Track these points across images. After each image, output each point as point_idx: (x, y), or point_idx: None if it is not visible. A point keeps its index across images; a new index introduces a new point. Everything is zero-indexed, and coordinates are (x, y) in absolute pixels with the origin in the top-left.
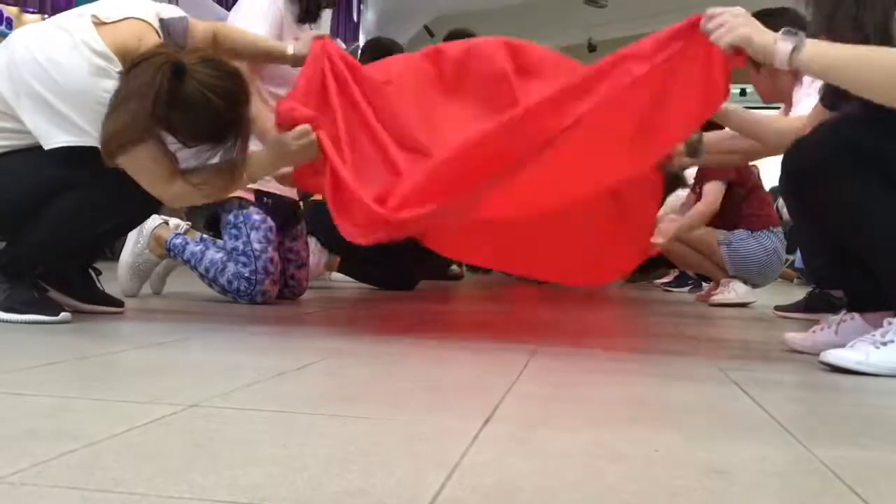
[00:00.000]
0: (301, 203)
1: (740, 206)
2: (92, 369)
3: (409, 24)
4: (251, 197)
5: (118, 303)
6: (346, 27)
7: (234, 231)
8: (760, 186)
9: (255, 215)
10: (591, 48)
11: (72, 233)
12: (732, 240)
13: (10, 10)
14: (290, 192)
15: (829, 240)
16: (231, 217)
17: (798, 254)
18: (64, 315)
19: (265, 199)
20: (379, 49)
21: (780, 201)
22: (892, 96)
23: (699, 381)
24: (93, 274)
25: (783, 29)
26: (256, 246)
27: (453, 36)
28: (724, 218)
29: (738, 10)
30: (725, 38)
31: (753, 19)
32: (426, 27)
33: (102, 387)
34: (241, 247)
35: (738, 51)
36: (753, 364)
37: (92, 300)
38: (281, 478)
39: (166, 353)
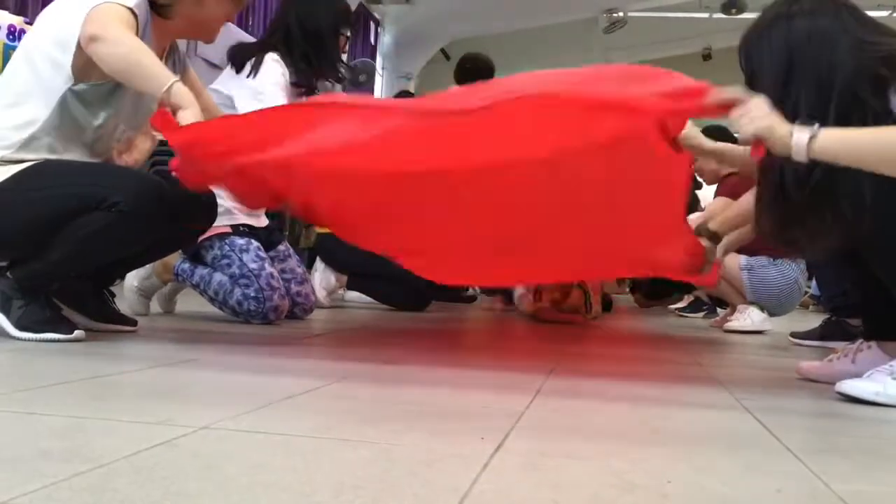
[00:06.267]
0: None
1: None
2: (104, 389)
3: (426, 48)
4: (228, 229)
5: (131, 322)
6: (363, 50)
7: (225, 261)
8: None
9: (239, 240)
10: None
11: (91, 254)
12: (754, 265)
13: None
14: (261, 222)
15: (851, 265)
16: (216, 251)
17: (815, 281)
18: (78, 333)
19: (241, 227)
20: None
21: None
22: None
23: (713, 409)
24: (107, 294)
25: (798, 120)
26: (253, 266)
27: (468, 60)
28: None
29: (761, 99)
30: (749, 128)
31: (774, 110)
32: (443, 50)
33: (114, 407)
34: (237, 272)
35: (758, 141)
36: (768, 392)
37: (105, 319)
38: (289, 502)
39: (178, 374)
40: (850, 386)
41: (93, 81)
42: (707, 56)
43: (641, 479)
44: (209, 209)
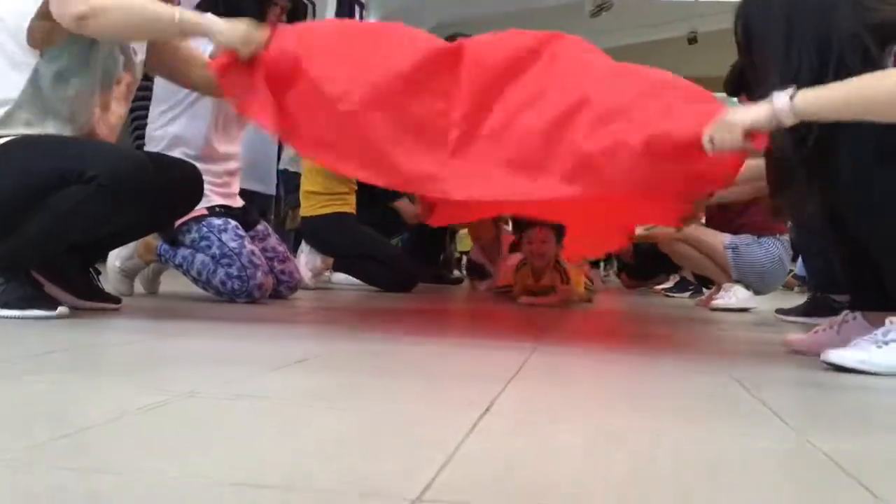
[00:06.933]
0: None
1: (747, 209)
2: (88, 359)
3: None
4: (204, 212)
5: (115, 300)
6: None
7: (204, 243)
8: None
9: (216, 220)
10: None
11: (71, 229)
12: (738, 244)
13: None
14: (236, 202)
15: (838, 238)
16: (194, 234)
17: (800, 262)
18: (61, 310)
19: (217, 209)
20: None
21: None
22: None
23: (700, 377)
24: (91, 272)
25: (770, 95)
26: (233, 245)
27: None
28: (730, 221)
29: (719, 119)
30: (727, 143)
31: (733, 108)
32: None
33: (98, 375)
34: (218, 252)
35: (751, 136)
36: (755, 363)
37: (89, 296)
38: (276, 462)
39: (164, 345)
40: (835, 355)
41: (59, 48)
42: (693, 40)
43: (631, 438)
44: (195, 185)
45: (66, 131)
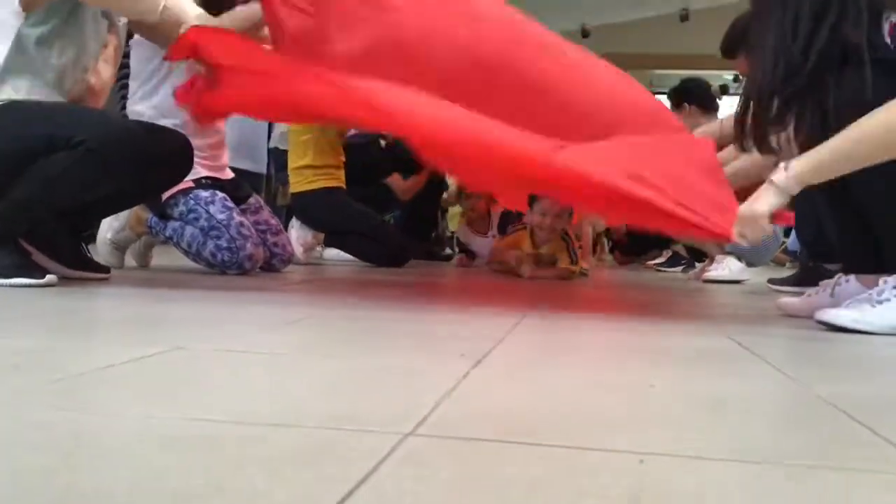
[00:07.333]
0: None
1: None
2: (76, 320)
3: None
4: (191, 184)
5: (105, 269)
6: None
7: (192, 216)
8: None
9: (203, 192)
10: (585, 34)
11: (59, 195)
12: None
13: None
14: (225, 174)
15: (832, 202)
16: (182, 207)
17: (792, 236)
18: (50, 278)
19: (203, 180)
20: None
21: None
22: (890, 156)
23: (694, 334)
24: (82, 242)
25: (767, 181)
26: (221, 217)
27: None
28: None
29: (740, 216)
30: (759, 234)
31: (748, 202)
32: None
33: (86, 333)
34: (206, 224)
35: (777, 216)
36: (748, 323)
37: (79, 265)
38: (268, 403)
39: (152, 308)
40: (829, 314)
41: (44, 12)
42: (684, 17)
43: (624, 383)
44: (185, 154)
45: (54, 97)
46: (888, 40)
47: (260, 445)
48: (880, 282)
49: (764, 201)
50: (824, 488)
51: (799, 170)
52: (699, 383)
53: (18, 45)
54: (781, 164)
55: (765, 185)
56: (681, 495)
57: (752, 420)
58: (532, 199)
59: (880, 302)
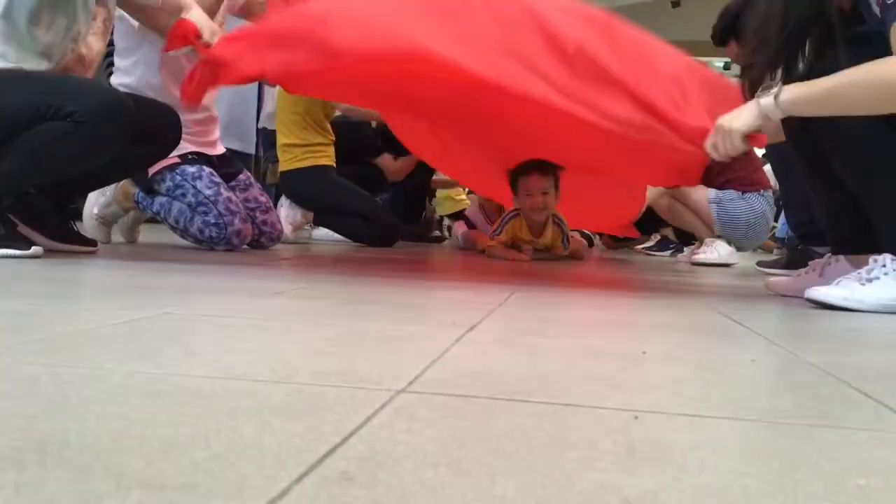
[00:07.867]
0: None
1: (730, 165)
2: (63, 287)
3: None
4: (177, 160)
5: (92, 242)
6: None
7: (179, 191)
8: (751, 149)
9: (190, 168)
10: None
11: (46, 166)
12: (723, 198)
13: None
14: (213, 150)
15: (822, 183)
16: (169, 182)
17: (781, 221)
18: (35, 249)
19: (190, 156)
20: None
21: (769, 167)
22: (881, 107)
23: (686, 311)
24: (68, 216)
25: (757, 94)
26: (208, 192)
27: None
28: (714, 176)
29: (716, 127)
30: (730, 149)
31: (729, 115)
32: None
33: (73, 299)
34: (193, 200)
35: (751, 137)
36: (739, 301)
37: (65, 239)
38: (258, 362)
39: (140, 278)
40: (819, 292)
41: None
42: (676, 3)
43: (616, 350)
44: (173, 127)
45: (42, 67)
46: (876, 10)
47: (248, 398)
48: (870, 260)
49: (744, 118)
50: (819, 445)
51: (786, 97)
52: (692, 351)
53: (7, 14)
54: (772, 89)
55: (749, 104)
56: (677, 447)
57: (747, 383)
58: (514, 186)
59: (870, 280)
